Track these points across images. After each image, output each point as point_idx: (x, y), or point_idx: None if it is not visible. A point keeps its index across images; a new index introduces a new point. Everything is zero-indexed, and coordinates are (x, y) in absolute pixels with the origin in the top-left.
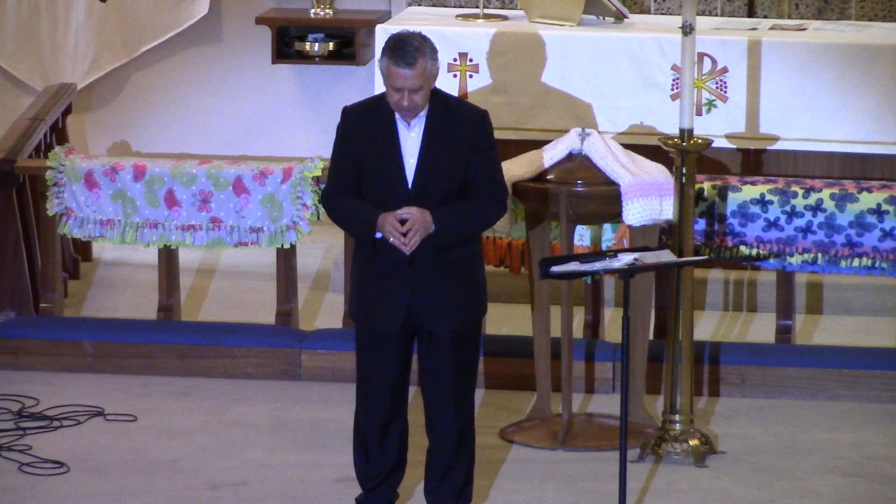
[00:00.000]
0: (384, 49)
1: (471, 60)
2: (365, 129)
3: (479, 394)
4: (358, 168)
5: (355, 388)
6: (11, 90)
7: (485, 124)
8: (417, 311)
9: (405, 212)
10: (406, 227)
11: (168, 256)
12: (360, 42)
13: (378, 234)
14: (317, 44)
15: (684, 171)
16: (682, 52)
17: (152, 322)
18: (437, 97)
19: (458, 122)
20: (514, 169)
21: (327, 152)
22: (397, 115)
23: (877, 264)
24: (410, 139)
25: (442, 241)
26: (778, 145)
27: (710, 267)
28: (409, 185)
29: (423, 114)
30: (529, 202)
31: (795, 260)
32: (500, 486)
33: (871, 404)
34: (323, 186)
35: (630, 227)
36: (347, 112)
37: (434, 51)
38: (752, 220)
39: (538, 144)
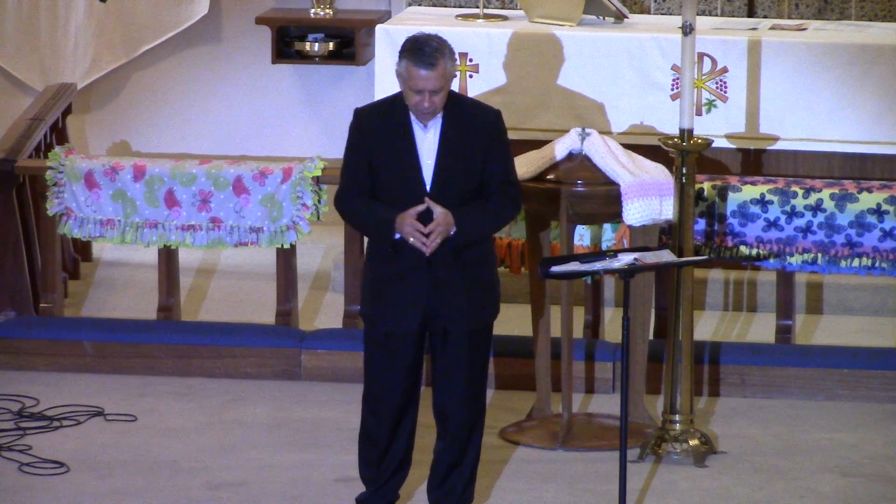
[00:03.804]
0: (402, 51)
1: (471, 60)
2: (380, 130)
3: None
4: (372, 170)
5: (363, 389)
6: (11, 90)
7: (499, 124)
8: (435, 310)
9: (423, 207)
10: (429, 229)
11: (168, 256)
12: (360, 42)
13: (397, 235)
14: (317, 44)
15: (684, 171)
16: (682, 52)
17: (152, 322)
18: (451, 97)
19: (473, 122)
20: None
21: (327, 152)
22: (412, 116)
23: (877, 264)
24: (427, 140)
25: (460, 241)
26: (778, 145)
27: (710, 267)
28: (428, 187)
29: (438, 114)
30: (529, 202)
31: (795, 260)
32: (501, 486)
33: (871, 404)
34: (323, 187)
35: (630, 227)
36: (360, 113)
37: (452, 52)
38: (752, 220)
39: (538, 144)
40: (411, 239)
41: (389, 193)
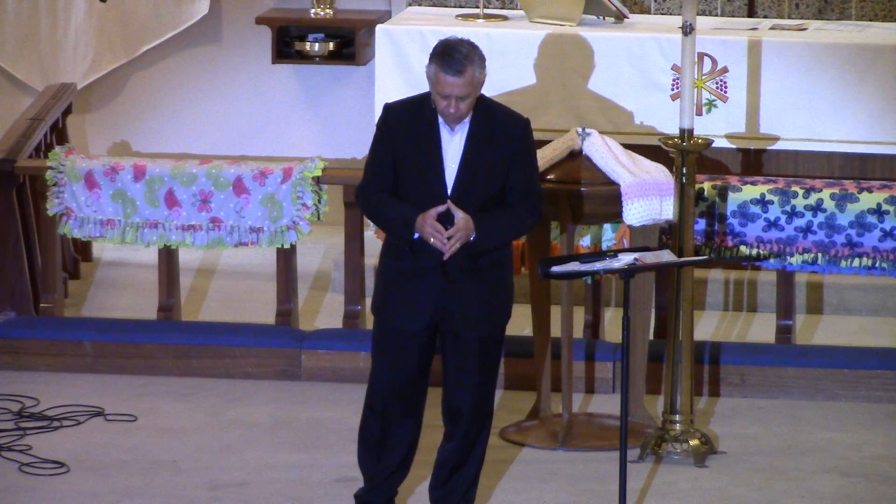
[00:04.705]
0: (432, 55)
1: None
2: (407, 129)
3: None
4: (396, 167)
5: (368, 384)
6: (11, 90)
7: (527, 133)
8: (446, 313)
9: (443, 208)
10: (449, 234)
11: (168, 256)
12: (360, 42)
13: (416, 235)
14: (317, 44)
15: (684, 171)
16: (682, 52)
17: (152, 322)
18: (481, 102)
19: (501, 130)
20: None
21: (327, 152)
22: (440, 119)
23: (877, 264)
24: (453, 144)
25: (479, 248)
26: (778, 145)
27: (710, 267)
28: (449, 191)
29: (466, 119)
30: None
31: (795, 260)
32: (501, 486)
33: (871, 404)
34: (324, 187)
35: (630, 227)
36: (390, 109)
37: (482, 59)
38: (753, 220)
39: (538, 145)
40: (431, 239)
41: (410, 193)
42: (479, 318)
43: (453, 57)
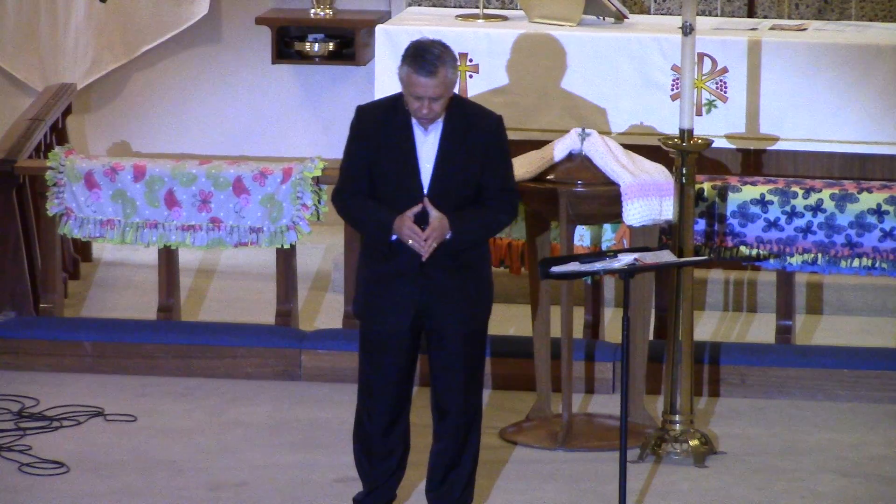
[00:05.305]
0: (404, 57)
1: (471, 61)
2: (380, 130)
3: None
4: (371, 169)
5: (357, 388)
6: (11, 90)
7: (500, 131)
8: (428, 312)
9: (419, 209)
10: (426, 235)
11: (168, 256)
12: (360, 42)
13: (393, 237)
14: (317, 44)
15: (684, 171)
16: (682, 52)
17: (152, 322)
18: (453, 101)
19: (474, 128)
20: (515, 169)
21: (327, 152)
22: (413, 119)
23: (877, 264)
24: (427, 144)
25: (455, 246)
26: (778, 145)
27: (710, 267)
28: (426, 191)
29: (439, 118)
30: (530, 202)
31: (795, 260)
32: (501, 487)
33: (871, 404)
34: (323, 187)
35: (630, 227)
36: (362, 111)
37: (454, 59)
38: (752, 221)
39: (538, 144)
40: (410, 241)
41: (387, 194)
42: (461, 315)
43: (425, 58)
